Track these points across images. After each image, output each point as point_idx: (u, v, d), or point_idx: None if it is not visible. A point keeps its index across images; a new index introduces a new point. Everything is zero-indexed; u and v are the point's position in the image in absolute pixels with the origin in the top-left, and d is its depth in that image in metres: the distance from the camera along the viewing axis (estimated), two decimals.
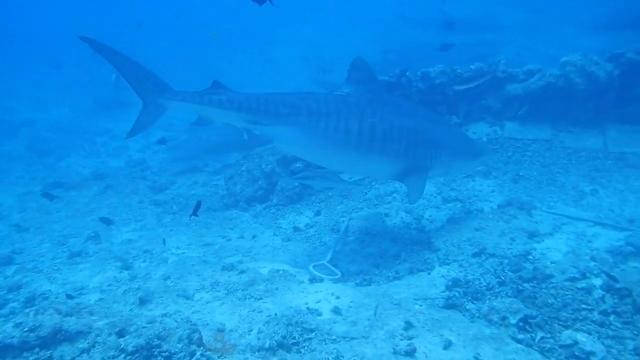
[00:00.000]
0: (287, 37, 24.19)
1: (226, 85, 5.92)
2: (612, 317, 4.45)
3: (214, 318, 4.76)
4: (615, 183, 7.58)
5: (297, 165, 8.84)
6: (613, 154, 8.11)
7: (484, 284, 5.59)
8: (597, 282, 5.06)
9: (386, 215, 7.81)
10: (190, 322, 4.56)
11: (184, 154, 13.24)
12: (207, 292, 5.50)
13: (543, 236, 6.51)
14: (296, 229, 7.91)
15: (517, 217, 6.93)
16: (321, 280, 5.78)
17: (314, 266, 6.24)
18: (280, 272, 5.82)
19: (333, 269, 6.28)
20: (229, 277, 5.78)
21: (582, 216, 6.91)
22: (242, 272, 5.90)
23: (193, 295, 5.43)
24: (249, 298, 5.27)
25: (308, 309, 5.06)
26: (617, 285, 4.67)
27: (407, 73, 9.35)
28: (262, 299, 5.23)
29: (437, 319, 4.73)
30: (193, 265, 6.39)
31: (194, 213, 6.08)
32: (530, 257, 6.05)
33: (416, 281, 6.07)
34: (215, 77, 6.11)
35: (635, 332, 4.20)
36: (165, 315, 4.70)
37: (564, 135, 8.77)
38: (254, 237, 7.74)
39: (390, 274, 6.38)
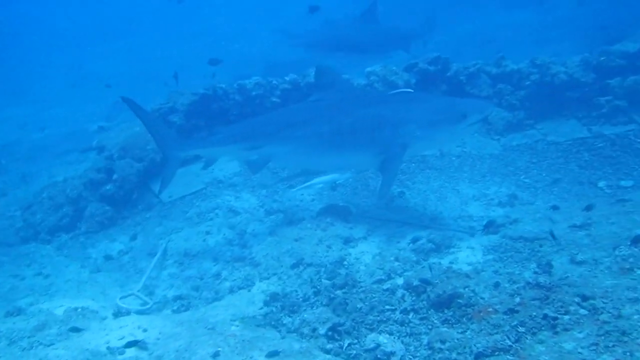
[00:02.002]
0: (104, 52, 22.41)
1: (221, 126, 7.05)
2: (411, 315, 4.68)
3: None
4: (418, 184, 8.19)
5: (108, 187, 8.12)
6: (416, 157, 8.77)
7: (301, 295, 5.59)
8: (400, 281, 5.34)
9: (208, 233, 7.52)
10: None
11: None
12: None
13: (357, 240, 6.75)
14: (108, 258, 7.22)
15: (333, 224, 7.11)
16: (128, 313, 5.28)
17: (121, 298, 5.69)
18: (79, 309, 5.20)
19: (144, 298, 5.79)
20: (14, 323, 4.99)
21: (392, 217, 7.33)
22: (32, 315, 5.14)
23: None
24: (36, 346, 4.58)
25: (108, 348, 4.55)
26: (415, 283, 4.94)
27: (223, 85, 9.18)
28: (53, 344, 4.58)
29: (249, 340, 4.56)
30: None
31: None
32: (345, 262, 6.21)
33: (236, 300, 5.87)
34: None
35: (430, 327, 4.47)
36: None
37: None
38: (55, 272, 6.87)
39: (210, 296, 6.13)
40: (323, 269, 6.03)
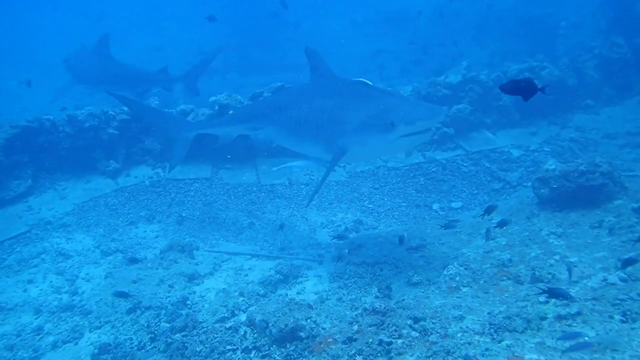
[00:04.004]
0: None
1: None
2: (253, 353, 4.44)
3: None
4: (268, 214, 8.08)
5: None
6: (265, 187, 8.70)
7: (136, 343, 5.11)
8: (243, 318, 5.09)
9: (30, 282, 6.61)
10: None
11: None
12: None
13: (203, 277, 6.41)
14: None
15: (177, 261, 6.68)
16: None
17: None
18: None
19: None
20: None
21: (241, 250, 7.09)
22: None
23: None
24: None
25: None
26: (257, 319, 4.72)
27: (51, 117, 8.30)
28: None
29: None
30: None
31: None
32: (188, 302, 5.84)
33: (59, 357, 5.21)
34: None
35: None
36: None
37: (223, 172, 9.05)
38: None
39: (27, 355, 5.35)
40: (163, 312, 5.61)
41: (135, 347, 5.03)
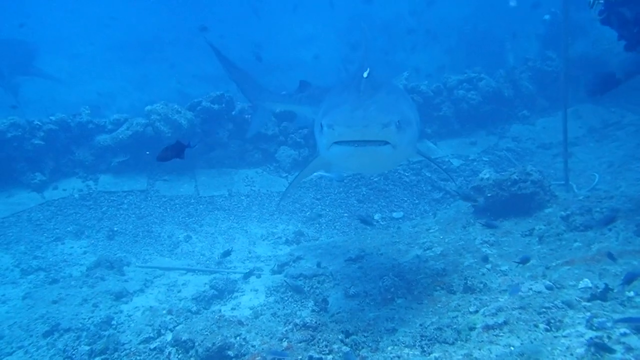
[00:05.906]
0: None
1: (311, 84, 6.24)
2: None
3: None
4: (206, 227, 7.80)
5: None
6: (204, 199, 8.40)
7: None
8: (170, 337, 4.79)
9: None
10: None
11: None
12: None
13: (132, 295, 6.06)
14: None
15: (105, 278, 6.30)
16: None
17: None
18: None
19: None
20: None
21: (175, 265, 6.77)
22: None
23: None
24: None
25: None
26: (183, 338, 4.44)
27: None
28: None
29: None
30: None
31: None
32: (113, 322, 5.48)
33: None
34: None
35: None
36: None
37: (160, 184, 8.67)
38: None
39: None
40: (85, 333, 5.24)
41: None
